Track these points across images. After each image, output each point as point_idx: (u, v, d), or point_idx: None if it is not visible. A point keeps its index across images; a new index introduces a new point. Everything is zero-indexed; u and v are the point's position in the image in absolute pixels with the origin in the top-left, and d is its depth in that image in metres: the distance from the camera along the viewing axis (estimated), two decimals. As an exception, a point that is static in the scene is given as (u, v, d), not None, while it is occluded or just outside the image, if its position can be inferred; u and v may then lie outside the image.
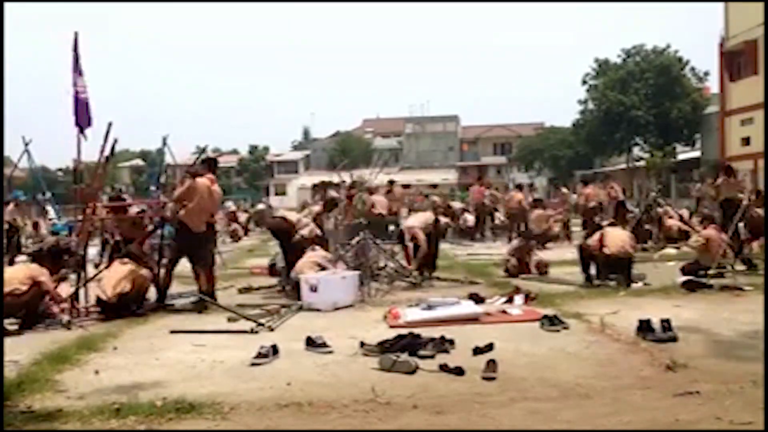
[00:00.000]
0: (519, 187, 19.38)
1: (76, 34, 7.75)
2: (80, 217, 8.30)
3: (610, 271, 8.59)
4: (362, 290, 8.05)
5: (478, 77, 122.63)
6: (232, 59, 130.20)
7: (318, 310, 7.21)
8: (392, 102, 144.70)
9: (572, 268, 9.65)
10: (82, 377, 4.80)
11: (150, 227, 8.89)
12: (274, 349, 5.18)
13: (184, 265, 8.07)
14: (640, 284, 8.41)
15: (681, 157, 41.16)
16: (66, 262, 7.64)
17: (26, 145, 13.68)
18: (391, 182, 14.45)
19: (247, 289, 9.11)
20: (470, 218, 17.88)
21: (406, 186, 26.33)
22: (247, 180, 64.18)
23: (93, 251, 9.56)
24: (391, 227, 10.53)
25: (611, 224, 9.82)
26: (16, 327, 6.60)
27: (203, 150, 11.60)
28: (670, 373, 4.50)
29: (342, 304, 7.40)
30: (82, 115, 7.61)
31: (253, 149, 67.48)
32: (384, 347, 5.17)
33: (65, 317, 6.74)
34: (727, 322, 6.12)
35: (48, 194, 16.11)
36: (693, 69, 42.63)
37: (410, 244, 9.84)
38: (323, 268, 7.97)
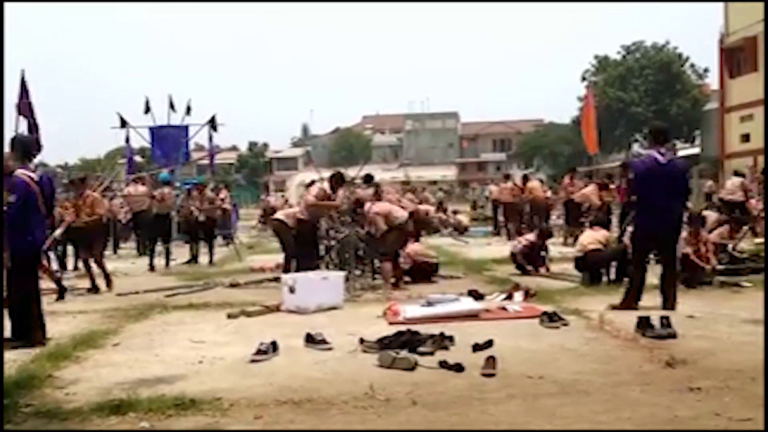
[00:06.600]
0: (507, 177, 17.75)
1: (23, 72, 9.59)
2: None
3: (590, 270, 8.62)
4: (348, 286, 7.95)
5: (478, 74, 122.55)
6: (232, 56, 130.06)
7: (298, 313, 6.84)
8: (392, 98, 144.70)
9: (572, 265, 9.67)
10: (81, 374, 4.79)
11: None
12: (274, 346, 5.18)
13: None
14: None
15: (680, 153, 41.12)
16: None
17: None
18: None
19: (234, 285, 9.24)
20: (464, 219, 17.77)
21: (405, 183, 26.17)
22: (247, 176, 64.18)
23: None
24: None
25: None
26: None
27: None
28: (669, 370, 4.51)
29: (326, 306, 7.05)
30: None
31: (252, 146, 67.51)
32: (383, 344, 5.17)
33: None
34: (727, 319, 6.13)
35: None
36: (693, 65, 42.72)
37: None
38: None
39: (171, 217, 12.68)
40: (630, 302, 6.62)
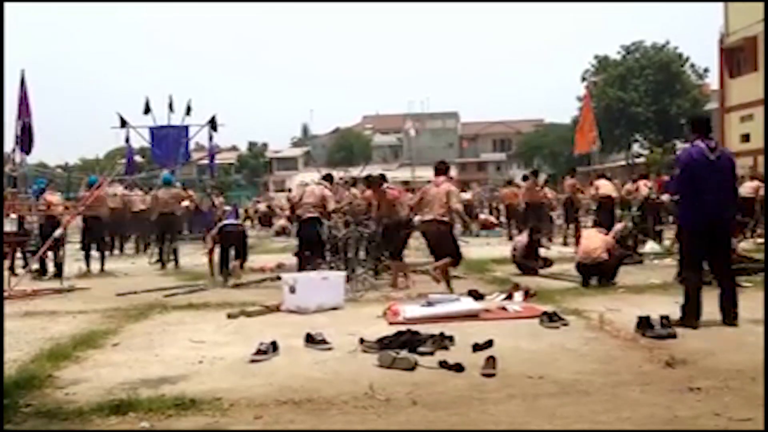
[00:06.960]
0: (510, 183, 18.93)
1: (23, 72, 9.88)
2: None
3: (590, 275, 8.47)
4: (350, 285, 7.98)
5: (478, 74, 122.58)
6: (232, 56, 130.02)
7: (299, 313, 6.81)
8: (392, 98, 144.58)
9: (572, 265, 9.66)
10: (81, 374, 4.79)
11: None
12: (274, 346, 5.18)
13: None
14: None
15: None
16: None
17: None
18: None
19: (238, 285, 9.29)
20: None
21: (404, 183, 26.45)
22: (246, 176, 64.18)
23: None
24: None
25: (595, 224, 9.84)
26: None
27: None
28: (669, 370, 4.50)
29: (326, 307, 7.02)
30: (26, 141, 10.31)
31: (252, 146, 67.54)
32: (383, 344, 5.17)
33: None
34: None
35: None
36: (693, 65, 42.71)
37: None
38: None
39: (177, 215, 12.73)
40: (690, 319, 5.75)
